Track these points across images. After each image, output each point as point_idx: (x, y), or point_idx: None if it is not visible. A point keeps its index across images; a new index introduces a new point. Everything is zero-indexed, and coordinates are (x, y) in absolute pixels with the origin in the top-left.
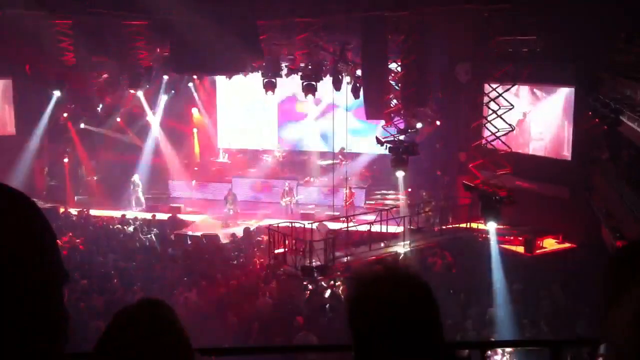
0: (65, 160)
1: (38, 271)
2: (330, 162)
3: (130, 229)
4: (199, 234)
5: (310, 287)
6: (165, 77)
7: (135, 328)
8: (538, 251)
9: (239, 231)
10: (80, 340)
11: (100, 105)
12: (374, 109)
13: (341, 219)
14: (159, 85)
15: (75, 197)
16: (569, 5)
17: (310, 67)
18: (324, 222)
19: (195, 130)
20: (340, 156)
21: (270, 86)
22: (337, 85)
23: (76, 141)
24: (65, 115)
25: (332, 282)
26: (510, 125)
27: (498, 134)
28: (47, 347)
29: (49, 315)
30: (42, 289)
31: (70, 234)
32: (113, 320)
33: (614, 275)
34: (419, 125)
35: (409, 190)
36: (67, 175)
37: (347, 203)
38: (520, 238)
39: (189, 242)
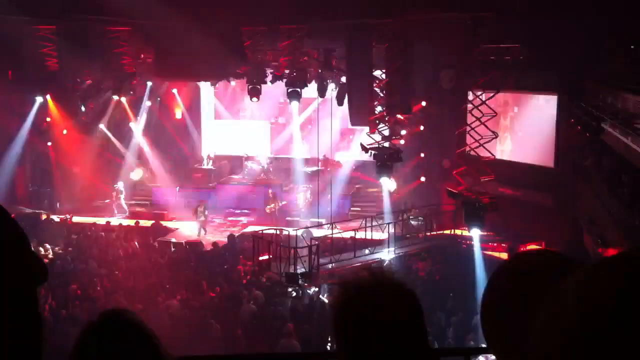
0: (48, 166)
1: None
2: (315, 168)
3: (113, 235)
4: (182, 241)
5: (294, 293)
6: (149, 84)
7: (102, 341)
8: None
9: (221, 239)
10: (62, 348)
11: (84, 111)
12: (358, 116)
13: (326, 225)
14: (143, 92)
15: (58, 204)
16: (552, 14)
17: (294, 73)
18: (309, 229)
19: (178, 136)
20: (321, 164)
21: (254, 92)
22: (321, 92)
23: (59, 148)
24: (48, 121)
25: (316, 289)
26: (493, 132)
27: (482, 141)
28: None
29: (20, 318)
30: (9, 290)
31: (51, 241)
32: (80, 335)
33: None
34: (403, 132)
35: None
36: (50, 181)
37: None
38: (504, 245)
39: (173, 249)
